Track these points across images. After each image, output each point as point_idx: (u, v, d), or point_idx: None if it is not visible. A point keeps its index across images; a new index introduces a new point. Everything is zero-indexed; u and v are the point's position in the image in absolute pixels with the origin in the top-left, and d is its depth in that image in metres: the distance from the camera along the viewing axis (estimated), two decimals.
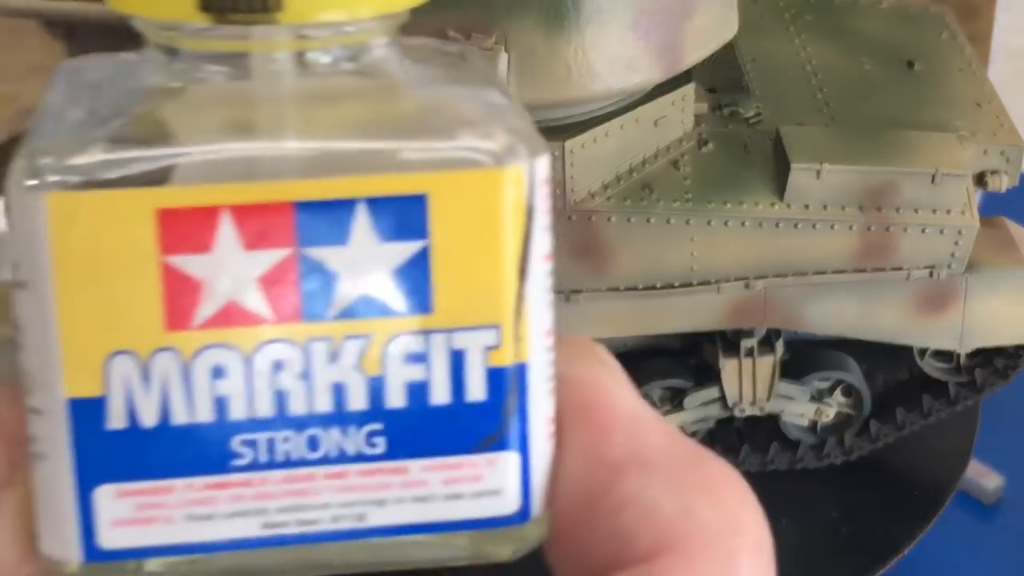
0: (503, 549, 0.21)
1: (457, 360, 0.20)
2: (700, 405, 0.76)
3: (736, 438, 0.79)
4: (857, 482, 0.79)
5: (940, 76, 0.76)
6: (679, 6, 0.66)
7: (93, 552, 0.20)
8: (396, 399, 0.20)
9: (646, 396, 0.74)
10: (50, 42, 0.72)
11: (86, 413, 0.20)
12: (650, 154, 0.69)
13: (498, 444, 0.21)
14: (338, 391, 0.20)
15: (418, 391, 0.20)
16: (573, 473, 0.21)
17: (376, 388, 0.20)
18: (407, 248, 0.20)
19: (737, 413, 0.76)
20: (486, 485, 0.21)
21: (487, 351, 0.20)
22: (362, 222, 0.20)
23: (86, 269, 0.19)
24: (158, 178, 0.19)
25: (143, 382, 0.20)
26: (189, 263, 0.20)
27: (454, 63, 0.23)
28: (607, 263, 0.69)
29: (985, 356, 0.76)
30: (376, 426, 0.20)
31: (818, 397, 0.77)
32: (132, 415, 0.20)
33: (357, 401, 0.20)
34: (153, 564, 0.20)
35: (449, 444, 0.21)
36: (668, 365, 0.76)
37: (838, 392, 0.78)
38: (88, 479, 0.20)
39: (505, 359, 0.20)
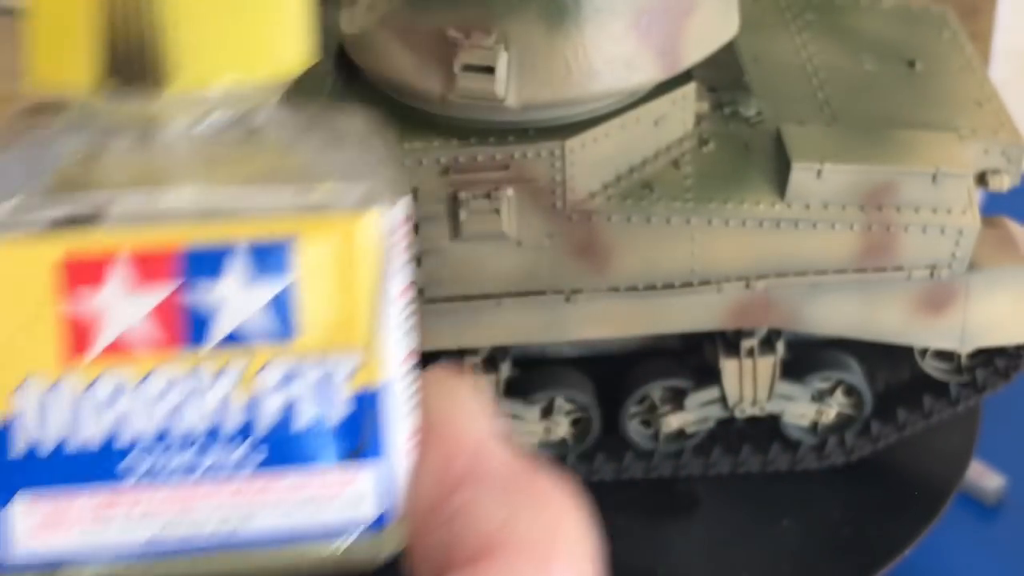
0: (364, 556, 0.24)
1: (323, 383, 0.23)
2: (701, 405, 0.75)
3: (737, 439, 0.78)
4: (858, 483, 0.79)
5: (941, 75, 0.76)
6: (680, 5, 0.66)
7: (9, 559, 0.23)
8: (269, 419, 0.23)
9: (646, 396, 0.74)
10: None
11: None
12: (650, 154, 0.69)
13: (358, 458, 0.24)
14: (218, 413, 0.23)
15: (288, 411, 0.23)
16: (421, 488, 0.24)
17: (251, 409, 0.23)
18: (278, 284, 0.23)
19: (738, 414, 0.76)
20: (347, 496, 0.24)
21: (349, 375, 0.23)
22: (239, 261, 0.23)
23: None
24: (61, 228, 0.22)
25: (45, 408, 0.23)
26: (84, 302, 0.23)
27: (334, 122, 0.26)
28: (607, 263, 0.68)
29: (986, 356, 0.76)
30: (251, 444, 0.24)
31: (819, 397, 0.77)
32: (37, 436, 0.23)
33: (235, 422, 0.23)
34: (62, 574, 0.23)
35: (315, 459, 0.24)
36: (668, 365, 0.75)
37: (839, 392, 0.78)
38: (1, 494, 0.23)
39: (365, 382, 0.24)
